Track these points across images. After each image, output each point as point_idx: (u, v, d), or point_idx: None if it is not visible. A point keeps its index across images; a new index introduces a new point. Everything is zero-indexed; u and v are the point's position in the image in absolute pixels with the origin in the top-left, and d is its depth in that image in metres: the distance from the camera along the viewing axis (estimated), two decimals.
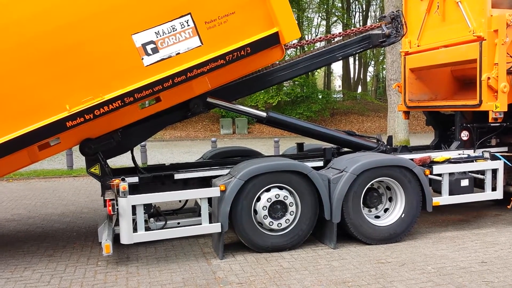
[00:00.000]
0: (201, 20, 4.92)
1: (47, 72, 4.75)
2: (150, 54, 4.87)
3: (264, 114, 6.48)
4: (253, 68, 5.92)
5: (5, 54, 4.67)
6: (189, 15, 4.89)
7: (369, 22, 39.48)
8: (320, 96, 30.48)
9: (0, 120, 4.77)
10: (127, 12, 4.81)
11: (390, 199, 5.97)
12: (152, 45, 4.87)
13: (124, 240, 5.08)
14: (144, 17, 4.84)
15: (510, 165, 6.55)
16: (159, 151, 18.92)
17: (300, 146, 7.66)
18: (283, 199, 5.49)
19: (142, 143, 13.66)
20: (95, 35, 4.77)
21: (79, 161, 13.71)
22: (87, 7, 4.74)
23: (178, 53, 4.93)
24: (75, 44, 4.74)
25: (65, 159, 13.97)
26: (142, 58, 4.87)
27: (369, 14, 42.52)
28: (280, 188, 5.53)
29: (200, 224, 5.38)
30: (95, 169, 5.65)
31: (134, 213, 5.10)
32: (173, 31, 4.89)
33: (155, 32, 4.86)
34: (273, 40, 5.14)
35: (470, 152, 6.70)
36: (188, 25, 4.90)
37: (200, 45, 4.96)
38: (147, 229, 5.43)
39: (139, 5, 4.84)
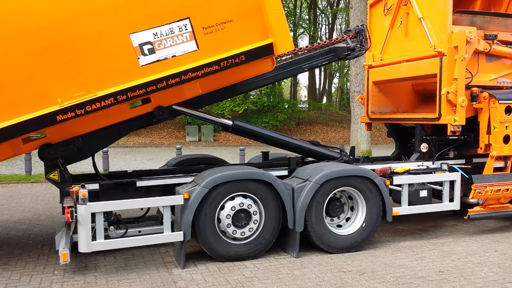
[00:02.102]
0: (199, 25, 4.97)
1: (41, 65, 4.69)
2: (147, 55, 4.89)
3: (230, 122, 6.48)
4: (244, 77, 5.96)
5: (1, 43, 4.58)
6: (188, 19, 4.93)
7: (335, 35, 40.21)
8: (286, 106, 30.74)
9: None
10: (127, 11, 4.82)
11: (352, 209, 6.06)
12: (149, 46, 4.88)
13: (83, 248, 4.95)
14: (143, 17, 4.85)
15: (467, 176, 6.75)
16: (122, 157, 18.58)
17: (265, 155, 7.69)
18: (247, 208, 5.48)
19: (104, 149, 13.37)
20: (94, 32, 4.76)
21: (38, 166, 13.30)
22: (87, 3, 4.72)
23: (174, 56, 4.96)
24: (72, 39, 4.71)
25: (23, 164, 13.52)
26: (138, 58, 4.88)
27: (335, 27, 43.39)
28: (244, 196, 5.52)
29: (162, 232, 5.30)
30: (54, 175, 5.51)
31: (93, 220, 4.97)
32: (171, 33, 4.92)
33: (153, 33, 4.88)
34: (267, 50, 5.22)
35: (429, 164, 6.89)
36: (186, 29, 4.94)
37: (196, 50, 5.00)
38: (107, 237, 5.30)
39: (139, 5, 4.85)
